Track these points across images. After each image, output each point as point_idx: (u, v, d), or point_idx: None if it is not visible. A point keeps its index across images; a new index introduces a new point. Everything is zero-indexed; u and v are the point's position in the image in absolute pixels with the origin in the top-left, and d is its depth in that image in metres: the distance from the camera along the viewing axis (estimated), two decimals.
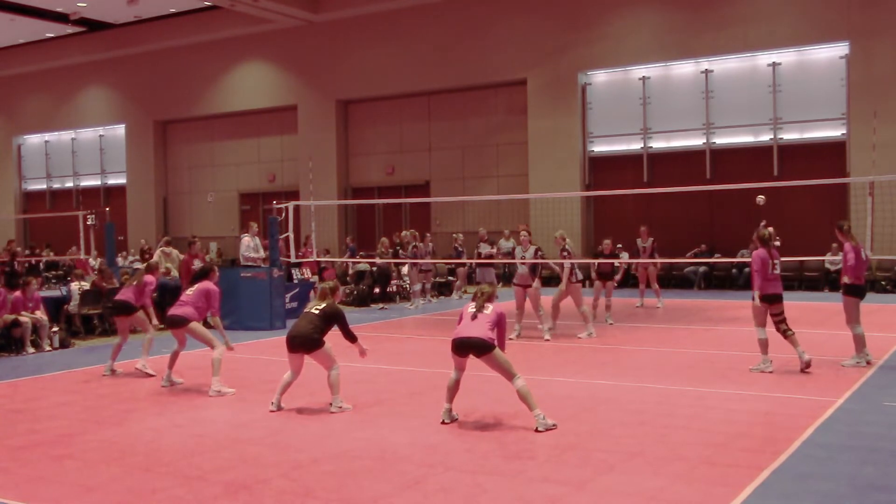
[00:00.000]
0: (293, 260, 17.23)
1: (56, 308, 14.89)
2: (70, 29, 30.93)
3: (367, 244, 25.16)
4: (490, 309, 7.62)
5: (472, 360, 7.64)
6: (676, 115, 23.24)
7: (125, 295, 10.95)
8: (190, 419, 8.15)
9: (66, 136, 35.16)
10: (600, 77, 24.42)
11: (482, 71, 25.39)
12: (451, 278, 22.60)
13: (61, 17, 29.24)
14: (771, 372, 9.75)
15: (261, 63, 29.59)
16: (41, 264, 24.92)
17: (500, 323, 7.60)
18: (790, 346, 10.03)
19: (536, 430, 7.22)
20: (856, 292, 10.16)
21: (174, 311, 9.80)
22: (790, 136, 22.02)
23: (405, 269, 20.58)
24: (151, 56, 31.55)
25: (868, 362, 10.13)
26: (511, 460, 6.47)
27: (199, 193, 31.80)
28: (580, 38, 24.02)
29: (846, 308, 10.19)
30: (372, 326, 15.88)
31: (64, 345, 13.71)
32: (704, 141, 22.97)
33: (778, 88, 22.04)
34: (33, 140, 36.22)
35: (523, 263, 13.28)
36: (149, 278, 11.18)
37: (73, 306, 15.02)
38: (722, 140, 22.79)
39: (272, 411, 8.27)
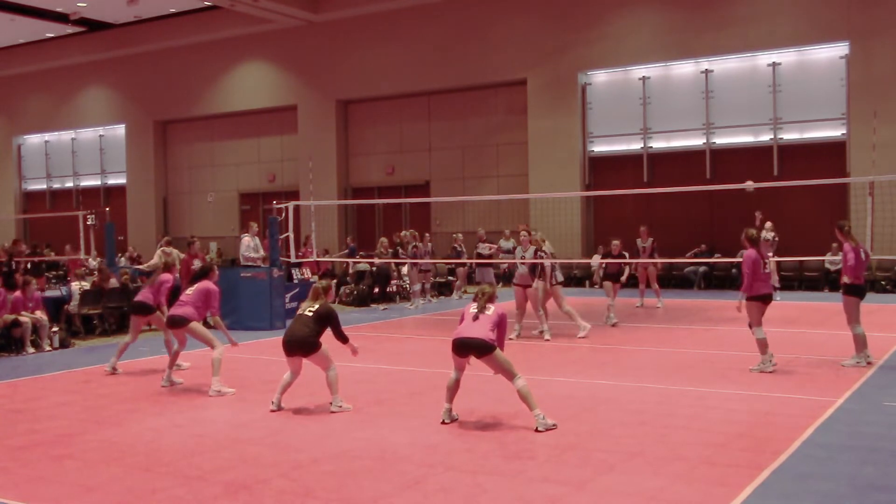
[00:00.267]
0: (293, 260, 17.23)
1: (56, 308, 14.90)
2: (70, 29, 30.93)
3: (367, 244, 25.15)
4: (492, 310, 7.63)
5: (472, 360, 7.64)
6: (676, 115, 23.23)
7: (144, 296, 10.96)
8: (190, 419, 8.15)
9: (66, 136, 35.16)
10: (600, 77, 24.42)
11: (482, 71, 25.39)
12: (451, 278, 22.61)
13: (61, 17, 29.23)
14: (772, 371, 9.74)
15: (261, 63, 29.59)
16: (43, 264, 24.91)
17: (500, 324, 7.60)
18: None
19: (536, 430, 7.22)
20: (856, 292, 10.16)
21: (174, 311, 9.80)
22: (790, 136, 22.01)
23: (405, 269, 20.57)
24: (151, 56, 31.55)
25: (868, 362, 10.13)
26: (511, 460, 6.47)
27: (199, 193, 31.80)
28: (580, 38, 24.03)
29: (846, 308, 10.18)
30: (372, 326, 15.89)
31: (64, 345, 13.70)
32: (704, 141, 22.97)
33: (778, 88, 22.03)
34: (33, 140, 36.22)
35: (523, 263, 13.28)
36: (165, 277, 11.21)
37: (73, 306, 15.03)
38: (722, 140, 22.79)
39: (272, 411, 8.27)
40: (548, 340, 12.95)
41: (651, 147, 23.68)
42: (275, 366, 10.79)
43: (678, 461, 6.33)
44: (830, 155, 21.20)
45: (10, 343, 13.09)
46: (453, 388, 7.70)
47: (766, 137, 22.28)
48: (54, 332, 13.69)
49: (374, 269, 19.99)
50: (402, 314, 17.99)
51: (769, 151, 22.10)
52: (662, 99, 23.53)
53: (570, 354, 11.75)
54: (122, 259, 26.96)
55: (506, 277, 23.25)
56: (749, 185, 13.56)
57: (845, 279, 10.17)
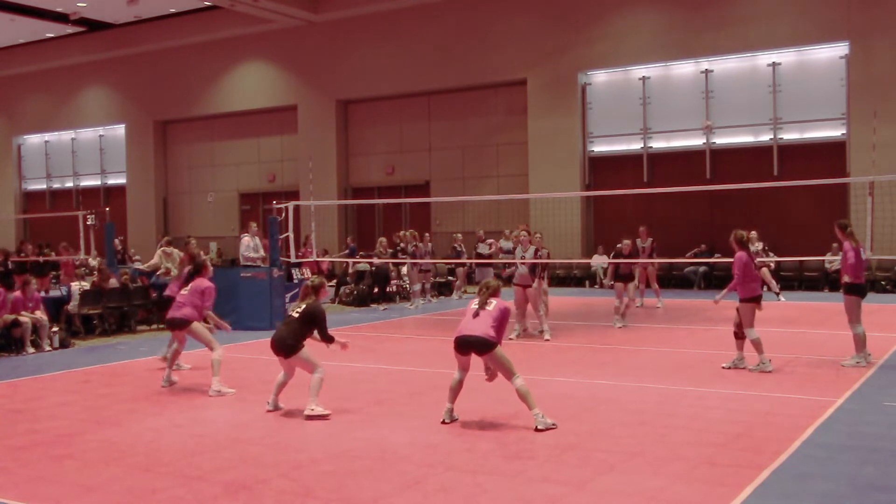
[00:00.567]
0: (293, 260, 17.24)
1: (56, 308, 14.90)
2: (70, 29, 30.93)
3: (367, 244, 25.15)
4: (493, 305, 7.60)
5: (473, 360, 7.64)
6: (676, 115, 23.23)
7: (183, 312, 10.71)
8: (190, 419, 8.14)
9: (66, 136, 35.17)
10: (600, 77, 24.42)
11: (482, 71, 25.39)
12: (451, 278, 22.60)
13: (61, 17, 29.24)
14: (770, 371, 9.74)
15: (261, 63, 29.59)
16: (48, 265, 24.90)
17: (502, 319, 7.57)
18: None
19: (536, 429, 7.22)
20: (857, 291, 10.16)
21: (173, 312, 9.76)
22: (790, 136, 22.02)
23: (405, 269, 20.57)
24: (151, 56, 31.55)
25: (868, 362, 10.12)
26: (511, 460, 6.47)
27: (199, 193, 31.80)
28: (580, 38, 24.03)
29: (848, 307, 10.16)
30: (372, 326, 15.89)
31: (64, 345, 13.70)
32: (704, 141, 22.97)
33: (778, 88, 22.03)
34: (33, 140, 36.23)
35: (523, 263, 13.28)
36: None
37: (73, 306, 15.02)
38: (722, 140, 22.79)
39: (269, 411, 8.27)
40: (548, 340, 12.94)
41: (651, 147, 23.68)
42: (275, 366, 10.75)
43: (678, 461, 6.33)
44: (830, 155, 21.20)
45: (10, 343, 13.09)
46: (456, 389, 7.70)
47: (766, 137, 22.28)
48: (54, 332, 13.69)
49: (374, 269, 20.00)
50: (402, 314, 17.99)
51: (769, 151, 22.10)
52: (662, 99, 23.53)
53: (570, 354, 11.75)
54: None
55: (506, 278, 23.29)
56: (707, 124, 13.11)
57: (846, 278, 10.17)
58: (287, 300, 16.14)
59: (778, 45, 21.83)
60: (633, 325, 14.70)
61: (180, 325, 9.64)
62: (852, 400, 8.31)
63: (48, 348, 13.37)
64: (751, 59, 22.47)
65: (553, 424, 7.32)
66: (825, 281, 20.26)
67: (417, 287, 19.41)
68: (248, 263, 16.72)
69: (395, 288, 20.74)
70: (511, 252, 15.57)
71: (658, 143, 23.64)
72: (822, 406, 8.00)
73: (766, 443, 6.79)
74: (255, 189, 30.36)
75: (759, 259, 16.82)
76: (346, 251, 23.78)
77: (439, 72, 26.00)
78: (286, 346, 7.97)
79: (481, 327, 7.44)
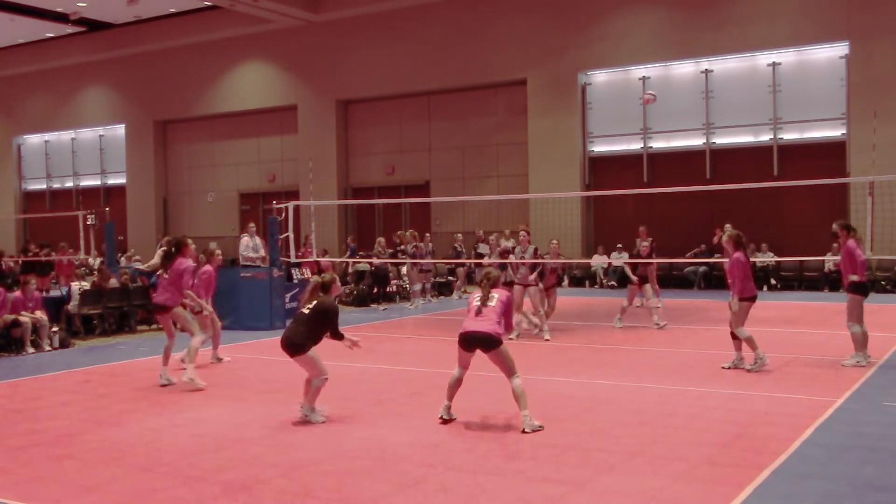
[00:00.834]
0: (293, 260, 17.24)
1: (56, 308, 14.90)
2: (70, 29, 30.92)
3: (368, 244, 25.16)
4: (495, 300, 7.59)
5: (476, 358, 7.64)
6: (676, 115, 23.23)
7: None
8: (190, 419, 8.14)
9: (66, 136, 35.16)
10: (600, 77, 24.42)
11: (482, 71, 25.38)
12: (451, 278, 22.61)
13: (61, 17, 29.22)
14: (767, 364, 9.73)
15: (261, 63, 29.59)
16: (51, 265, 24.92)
17: (506, 310, 7.58)
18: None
19: (523, 431, 7.21)
20: (863, 290, 10.15)
21: (156, 298, 9.85)
22: (790, 136, 22.02)
23: (405, 269, 20.58)
24: (151, 56, 31.54)
25: (868, 362, 10.12)
26: (511, 460, 6.47)
27: (199, 193, 31.79)
28: (580, 38, 24.02)
29: (851, 306, 10.11)
30: (372, 326, 15.89)
31: (64, 345, 13.70)
32: (704, 141, 22.97)
33: (778, 88, 22.03)
34: (33, 140, 36.22)
35: (523, 263, 13.28)
36: (205, 268, 11.34)
37: (73, 306, 15.03)
38: (722, 140, 22.79)
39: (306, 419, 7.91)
40: (547, 340, 12.95)
41: (651, 147, 23.68)
42: (275, 366, 10.79)
43: (678, 461, 6.33)
44: (830, 155, 21.20)
45: (10, 343, 13.09)
46: (454, 386, 7.69)
47: (766, 137, 22.28)
48: (54, 332, 13.69)
49: (373, 269, 20.00)
50: (402, 314, 17.99)
51: (769, 151, 22.10)
52: (662, 99, 23.45)
53: (570, 354, 11.75)
54: (122, 259, 26.98)
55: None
56: (649, 95, 12.74)
57: (854, 277, 10.09)
58: (287, 300, 16.14)
59: (778, 45, 21.83)
60: (633, 325, 14.70)
61: (161, 310, 9.69)
62: (852, 400, 8.31)
63: (48, 348, 13.37)
64: (751, 59, 22.47)
65: (540, 426, 7.30)
66: (825, 281, 20.26)
67: (417, 287, 19.41)
68: (248, 263, 16.73)
69: (395, 288, 20.75)
70: (511, 252, 15.55)
71: (658, 143, 23.64)
72: (822, 406, 8.00)
73: (766, 443, 6.79)
74: (255, 189, 30.35)
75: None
76: (348, 252, 23.77)
77: (439, 72, 25.99)
78: (293, 346, 7.71)
79: (487, 324, 7.43)
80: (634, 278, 14.51)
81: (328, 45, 27.81)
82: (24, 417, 8.43)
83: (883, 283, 19.80)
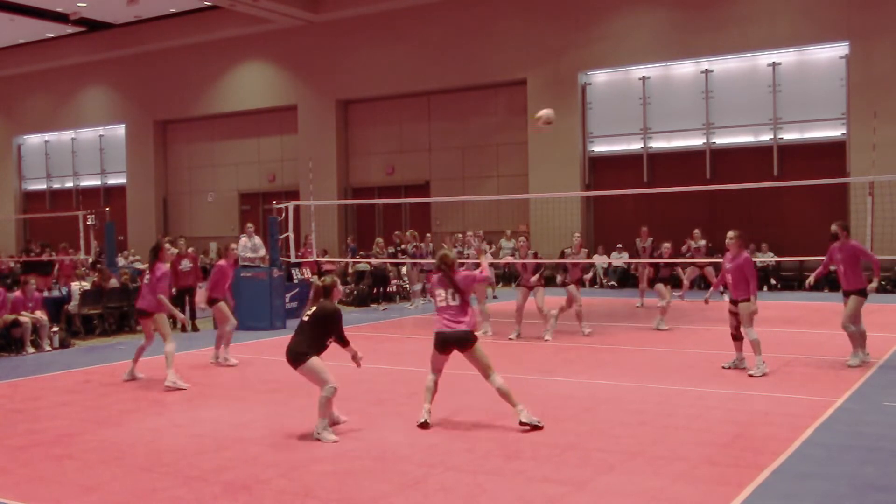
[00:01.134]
0: (293, 260, 17.25)
1: (56, 308, 14.90)
2: (70, 29, 30.93)
3: (368, 244, 25.15)
4: (457, 298, 7.49)
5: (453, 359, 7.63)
6: (676, 115, 23.23)
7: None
8: (190, 419, 8.14)
9: (66, 136, 35.17)
10: (600, 77, 24.42)
11: (482, 71, 25.39)
12: None
13: (61, 17, 29.23)
14: (766, 374, 9.70)
15: (261, 63, 29.59)
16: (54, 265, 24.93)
17: (466, 288, 7.52)
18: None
19: (520, 423, 7.21)
20: (864, 292, 10.14)
21: (139, 303, 10.02)
22: (790, 136, 22.01)
23: (405, 269, 20.58)
24: (151, 56, 31.55)
25: (867, 361, 10.11)
26: (511, 460, 6.47)
27: (199, 193, 31.80)
28: (580, 38, 24.02)
29: (854, 307, 10.08)
30: (372, 326, 15.89)
31: (64, 345, 13.71)
32: (704, 141, 22.97)
33: (778, 88, 22.03)
34: (33, 140, 36.22)
35: (524, 264, 13.29)
36: (219, 263, 11.46)
37: (73, 306, 15.03)
38: (722, 140, 22.79)
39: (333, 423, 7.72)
40: (548, 341, 12.94)
41: (651, 147, 23.68)
42: (275, 366, 10.79)
43: (678, 461, 6.33)
44: (830, 155, 21.20)
45: (10, 343, 13.09)
46: (433, 389, 7.67)
47: (766, 137, 22.28)
48: (54, 332, 13.70)
49: (372, 269, 20.00)
50: (402, 314, 17.99)
51: (769, 151, 22.10)
52: (662, 99, 23.52)
53: (570, 354, 11.74)
54: (122, 259, 26.98)
55: (506, 278, 23.29)
56: (544, 114, 12.33)
57: (874, 284, 10.11)
58: (287, 300, 16.15)
59: (778, 45, 21.83)
60: (633, 324, 14.70)
61: (143, 315, 9.84)
62: (852, 400, 8.31)
63: (48, 348, 13.37)
64: (751, 59, 22.47)
65: (539, 422, 7.29)
66: (825, 281, 20.23)
67: (417, 287, 19.41)
68: (248, 263, 16.73)
69: (395, 288, 20.75)
70: (512, 254, 15.59)
71: (658, 143, 23.64)
72: (822, 406, 8.00)
73: (766, 443, 6.79)
74: (255, 189, 30.36)
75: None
76: (349, 253, 23.75)
77: (439, 72, 25.99)
78: (293, 355, 7.30)
79: (456, 321, 7.43)
80: (643, 285, 14.48)
81: (328, 45, 27.81)
82: (24, 417, 8.43)
83: (883, 283, 19.77)
